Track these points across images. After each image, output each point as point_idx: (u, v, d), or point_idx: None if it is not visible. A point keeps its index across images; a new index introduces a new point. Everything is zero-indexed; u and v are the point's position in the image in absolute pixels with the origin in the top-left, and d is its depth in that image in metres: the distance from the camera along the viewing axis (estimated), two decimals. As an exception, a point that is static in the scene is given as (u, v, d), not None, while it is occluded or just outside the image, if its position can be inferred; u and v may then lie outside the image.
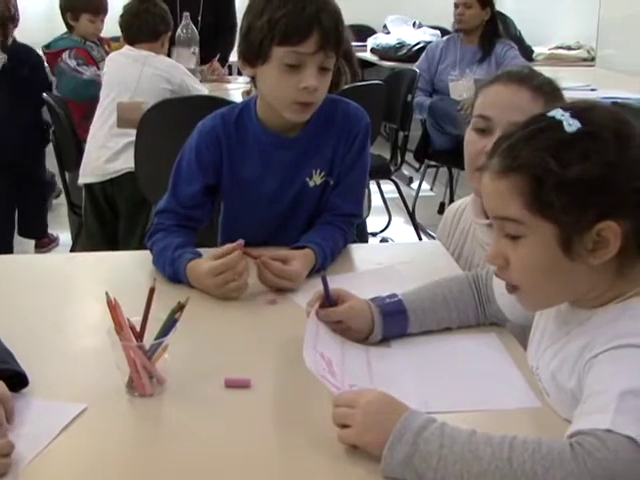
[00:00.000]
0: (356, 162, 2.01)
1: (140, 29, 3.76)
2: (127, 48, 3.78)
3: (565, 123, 1.18)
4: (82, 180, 3.69)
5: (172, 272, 1.82)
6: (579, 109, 1.21)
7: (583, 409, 1.12)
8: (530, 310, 1.38)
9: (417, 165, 5.37)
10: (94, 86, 4.10)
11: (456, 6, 4.86)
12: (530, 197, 1.18)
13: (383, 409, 1.16)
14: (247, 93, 3.69)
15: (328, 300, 1.53)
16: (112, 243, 3.66)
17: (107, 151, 3.61)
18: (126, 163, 3.55)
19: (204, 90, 3.90)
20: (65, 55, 4.39)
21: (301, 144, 1.98)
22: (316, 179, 2.00)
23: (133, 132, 3.43)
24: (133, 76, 3.65)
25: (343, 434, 1.18)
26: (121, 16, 3.82)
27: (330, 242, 1.94)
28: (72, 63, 4.37)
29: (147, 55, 3.71)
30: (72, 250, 3.98)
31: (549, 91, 1.82)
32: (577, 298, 1.26)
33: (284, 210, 2.02)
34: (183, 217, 1.97)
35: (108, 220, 3.73)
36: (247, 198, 2.02)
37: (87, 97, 4.18)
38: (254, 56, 1.86)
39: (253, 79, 1.94)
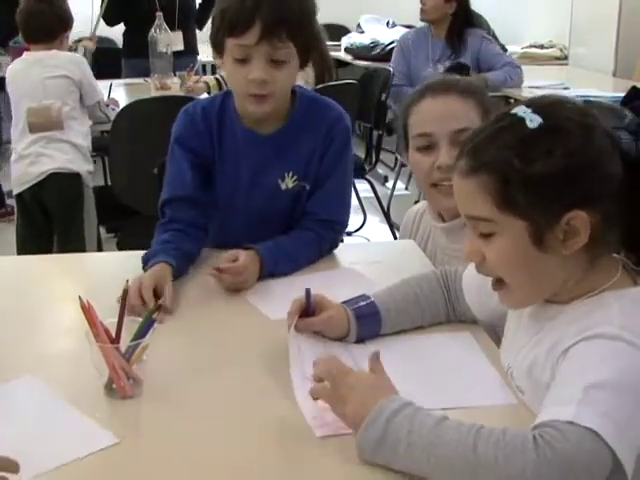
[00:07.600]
0: (335, 166, 1.96)
1: (37, 29, 3.66)
2: (26, 54, 3.70)
3: (527, 120, 1.20)
4: (15, 191, 3.68)
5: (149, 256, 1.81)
6: (541, 105, 1.23)
7: (548, 401, 1.14)
8: (514, 308, 1.39)
9: (392, 164, 5.37)
10: None
11: None
12: (497, 195, 1.19)
13: (370, 390, 1.19)
14: None
15: (308, 311, 1.53)
16: (46, 252, 3.54)
17: (27, 158, 3.58)
18: (48, 164, 3.54)
19: (102, 90, 3.89)
20: None
21: (273, 144, 1.95)
22: (288, 182, 1.96)
23: (50, 133, 3.50)
24: (36, 82, 3.59)
25: (320, 391, 1.23)
26: (17, 16, 3.71)
27: (288, 247, 1.89)
28: None
29: (43, 57, 3.63)
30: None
31: (475, 91, 1.85)
32: (555, 291, 1.27)
33: (259, 210, 1.97)
34: (192, 203, 1.92)
35: (41, 227, 3.69)
36: (225, 190, 1.99)
37: None
38: (215, 47, 1.88)
39: None
